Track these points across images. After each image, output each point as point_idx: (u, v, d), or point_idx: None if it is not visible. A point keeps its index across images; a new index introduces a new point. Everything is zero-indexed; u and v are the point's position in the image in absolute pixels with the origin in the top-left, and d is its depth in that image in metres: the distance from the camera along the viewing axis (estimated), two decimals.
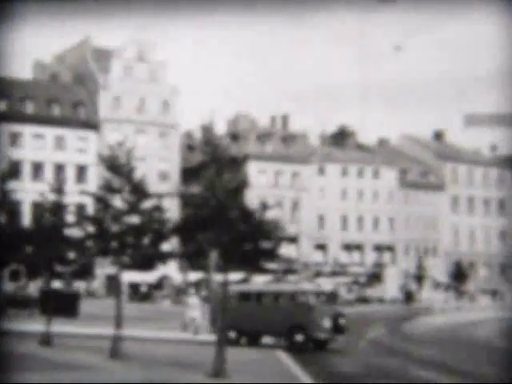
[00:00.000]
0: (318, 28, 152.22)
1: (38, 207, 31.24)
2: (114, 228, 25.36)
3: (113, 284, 71.11)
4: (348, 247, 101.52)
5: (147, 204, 25.62)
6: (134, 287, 79.84)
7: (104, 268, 75.38)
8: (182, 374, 22.84)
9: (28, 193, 76.41)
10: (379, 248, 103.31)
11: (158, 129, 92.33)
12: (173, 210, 25.35)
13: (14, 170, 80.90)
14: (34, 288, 51.67)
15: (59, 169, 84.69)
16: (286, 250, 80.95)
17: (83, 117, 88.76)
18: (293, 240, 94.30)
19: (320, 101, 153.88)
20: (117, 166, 25.48)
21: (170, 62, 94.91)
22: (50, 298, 31.61)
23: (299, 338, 31.95)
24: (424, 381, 23.57)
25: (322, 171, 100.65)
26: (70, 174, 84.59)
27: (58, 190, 29.90)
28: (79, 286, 74.78)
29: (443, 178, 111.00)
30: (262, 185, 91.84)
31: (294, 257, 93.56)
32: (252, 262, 23.89)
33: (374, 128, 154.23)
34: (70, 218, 29.84)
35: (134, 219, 25.43)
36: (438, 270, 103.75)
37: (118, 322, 25.47)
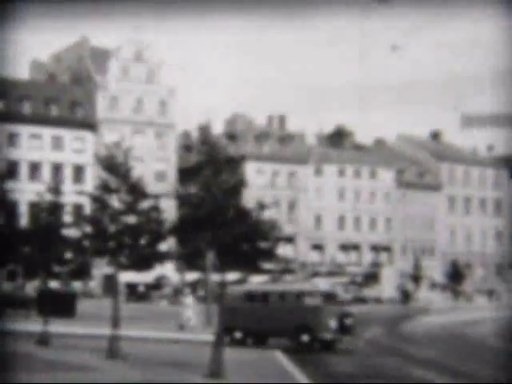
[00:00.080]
0: (316, 28, 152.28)
1: (35, 207, 31.18)
2: (111, 228, 25.37)
3: (110, 284, 71.15)
4: (345, 247, 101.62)
5: (144, 204, 25.64)
6: (131, 287, 79.84)
7: (101, 268, 75.45)
8: (179, 374, 22.88)
9: (25, 193, 76.44)
10: (376, 248, 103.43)
11: (155, 129, 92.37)
12: (170, 211, 25.41)
13: (11, 170, 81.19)
14: (31, 288, 51.68)
15: (56, 169, 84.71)
16: (283, 250, 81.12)
17: (80, 117, 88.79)
18: (290, 240, 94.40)
19: (317, 101, 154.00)
20: (114, 166, 25.50)
21: (167, 62, 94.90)
22: (47, 298, 31.69)
23: (305, 338, 31.68)
24: (421, 381, 23.63)
25: (318, 171, 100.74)
26: (68, 174, 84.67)
27: (55, 190, 29.91)
28: (76, 286, 74.78)
29: (440, 178, 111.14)
30: (259, 185, 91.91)
31: (291, 257, 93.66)
32: (249, 262, 23.89)
33: (371, 128, 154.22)
34: (68, 218, 29.88)
35: (131, 219, 25.44)
36: (435, 269, 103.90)
37: (115, 322, 25.49)
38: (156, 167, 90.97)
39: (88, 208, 27.52)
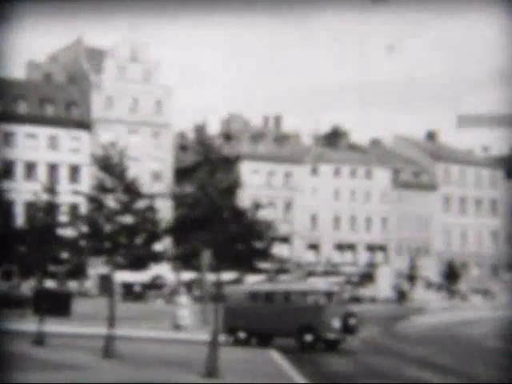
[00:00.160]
0: (313, 28, 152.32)
1: (30, 207, 31.23)
2: (107, 228, 25.41)
3: (106, 284, 71.14)
4: (340, 247, 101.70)
5: (140, 204, 25.67)
6: (128, 287, 79.84)
7: (97, 268, 75.39)
8: (174, 373, 22.92)
9: (21, 193, 76.43)
10: (372, 248, 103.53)
11: (151, 129, 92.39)
12: (166, 210, 25.44)
13: (7, 170, 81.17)
14: (26, 287, 51.64)
15: (52, 169, 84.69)
16: (278, 249, 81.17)
17: (76, 117, 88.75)
18: (285, 240, 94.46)
19: (314, 101, 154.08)
20: (110, 166, 25.53)
21: (163, 62, 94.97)
22: (42, 298, 31.67)
23: (308, 338, 31.55)
24: (416, 380, 23.68)
25: (314, 171, 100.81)
26: (63, 173, 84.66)
27: (51, 189, 29.94)
28: (72, 285, 74.75)
29: (436, 178, 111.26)
30: (255, 185, 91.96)
31: (287, 257, 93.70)
32: (245, 261, 23.94)
33: (367, 128, 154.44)
34: (63, 217, 29.89)
35: (127, 219, 25.48)
36: (431, 269, 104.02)
37: (111, 321, 25.52)
38: (152, 167, 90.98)
39: (84, 208, 27.56)
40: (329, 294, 32.67)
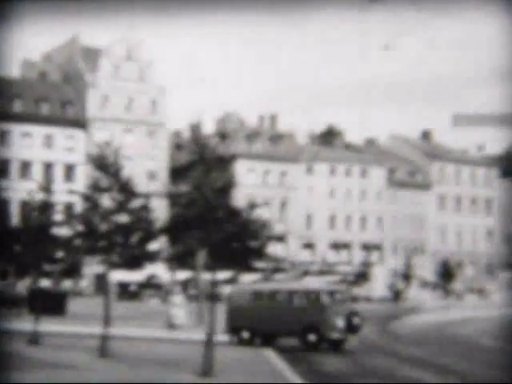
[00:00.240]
0: (309, 27, 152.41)
1: (26, 206, 31.19)
2: (102, 227, 25.41)
3: (101, 283, 71.17)
4: (336, 246, 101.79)
5: (135, 203, 25.67)
6: (123, 286, 79.82)
7: (92, 267, 75.38)
8: (170, 373, 22.94)
9: (16, 191, 76.37)
10: (367, 247, 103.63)
11: (146, 128, 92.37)
12: (161, 210, 25.46)
13: (2, 169, 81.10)
14: (22, 287, 51.61)
15: (47, 167, 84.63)
16: (273, 248, 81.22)
17: (71, 115, 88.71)
18: (281, 239, 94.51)
19: (309, 100, 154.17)
20: (105, 165, 25.53)
21: (158, 61, 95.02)
22: (38, 297, 31.64)
23: (312, 338, 31.31)
24: (411, 380, 23.73)
25: (310, 170, 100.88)
26: (59, 172, 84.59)
27: (47, 188, 29.93)
28: (67, 284, 74.72)
29: (431, 177, 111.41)
30: (250, 184, 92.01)
31: (282, 256, 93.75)
32: (240, 260, 23.94)
33: (362, 127, 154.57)
34: (59, 216, 29.88)
35: (123, 218, 25.48)
36: (426, 268, 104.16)
37: (107, 320, 25.53)
38: (147, 166, 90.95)
39: (79, 207, 27.56)
40: (332, 293, 32.46)
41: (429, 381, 23.58)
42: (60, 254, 30.17)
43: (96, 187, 25.52)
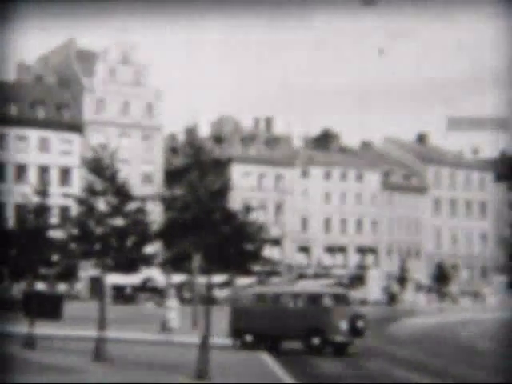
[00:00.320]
0: (304, 30, 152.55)
1: (21, 209, 31.19)
2: (98, 230, 25.43)
3: (96, 286, 71.10)
4: (331, 249, 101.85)
5: (131, 206, 25.70)
6: (119, 289, 79.77)
7: (88, 270, 75.36)
8: (165, 375, 22.99)
9: (12, 195, 76.33)
10: (362, 250, 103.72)
11: (142, 131, 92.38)
12: (157, 213, 25.49)
13: None
14: (17, 290, 51.60)
15: (43, 171, 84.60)
16: (269, 252, 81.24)
17: (67, 119, 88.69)
18: (276, 242, 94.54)
19: (304, 104, 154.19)
20: (100, 169, 25.55)
21: (154, 64, 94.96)
22: (33, 300, 31.65)
23: (316, 341, 30.95)
24: (406, 381, 23.79)
25: (305, 174, 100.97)
26: (54, 176, 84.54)
27: (42, 192, 29.95)
28: (63, 288, 74.67)
29: (426, 180, 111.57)
30: (246, 187, 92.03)
31: (278, 259, 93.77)
32: (235, 264, 23.97)
33: (357, 131, 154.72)
34: (54, 220, 29.91)
35: (118, 222, 25.50)
36: (421, 271, 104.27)
37: (102, 324, 25.57)
38: (142, 169, 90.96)
39: (75, 210, 27.59)
40: (336, 296, 32.15)
41: (421, 382, 23.66)
42: (55, 257, 30.18)
43: (91, 190, 25.54)
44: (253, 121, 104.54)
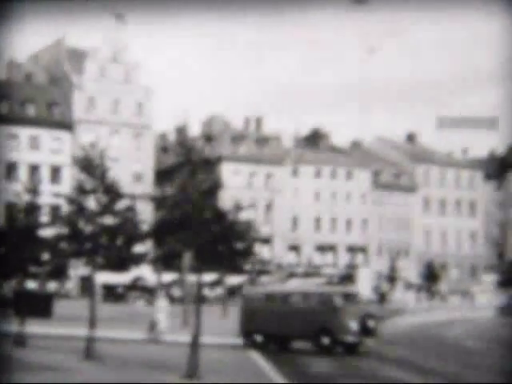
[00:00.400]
0: (294, 29, 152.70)
1: (11, 208, 31.17)
2: (88, 229, 25.42)
3: (87, 285, 71.06)
4: (321, 248, 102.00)
5: (121, 205, 25.69)
6: (109, 288, 79.71)
7: (78, 269, 75.27)
8: (155, 374, 23.03)
9: (2, 193, 76.14)
10: (352, 249, 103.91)
11: (132, 130, 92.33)
12: (147, 212, 25.49)
13: None
14: (7, 288, 51.49)
15: (34, 169, 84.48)
16: (259, 250, 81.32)
17: (58, 117, 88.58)
18: (266, 241, 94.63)
19: (294, 103, 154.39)
20: (90, 167, 25.55)
21: (144, 63, 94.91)
22: (23, 299, 31.63)
23: (325, 341, 30.67)
24: (395, 381, 23.89)
25: (295, 173, 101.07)
26: (45, 174, 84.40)
27: (33, 190, 29.93)
28: (53, 286, 74.59)
29: (415, 179, 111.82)
30: (236, 186, 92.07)
31: (268, 258, 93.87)
32: (226, 262, 24.03)
33: (347, 130, 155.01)
34: (45, 218, 29.87)
35: (108, 220, 25.50)
36: (410, 270, 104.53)
37: (92, 322, 25.59)
38: (133, 168, 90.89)
39: (65, 208, 27.59)
40: (346, 296, 31.88)
41: (411, 381, 23.77)
42: (46, 255, 30.16)
43: (81, 189, 25.53)
44: (243, 120, 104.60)
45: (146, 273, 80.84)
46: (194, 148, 24.22)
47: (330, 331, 30.68)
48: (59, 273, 75.82)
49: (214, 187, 23.12)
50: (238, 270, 25.27)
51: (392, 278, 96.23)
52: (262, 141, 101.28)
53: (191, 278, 38.89)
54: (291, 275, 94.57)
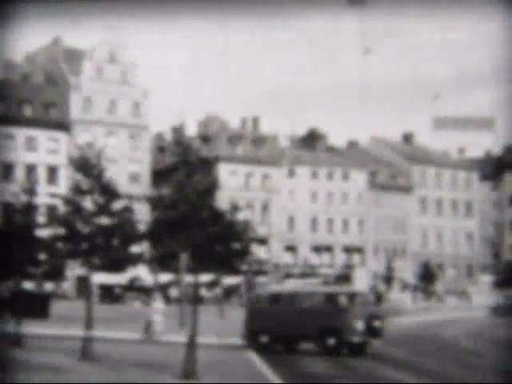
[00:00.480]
0: (291, 30, 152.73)
1: (8, 208, 31.18)
2: (84, 229, 25.42)
3: (83, 285, 70.97)
4: (318, 249, 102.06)
5: (117, 205, 25.69)
6: (105, 289, 79.70)
7: (75, 269, 75.26)
8: (152, 375, 23.06)
9: None
10: (348, 249, 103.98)
11: (129, 130, 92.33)
12: (144, 212, 25.50)
13: None
14: (4, 289, 51.46)
15: (30, 169, 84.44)
16: (256, 251, 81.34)
17: (54, 118, 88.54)
18: (263, 241, 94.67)
19: (291, 103, 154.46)
20: (87, 168, 25.54)
21: (140, 63, 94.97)
22: (20, 299, 31.63)
23: (331, 341, 30.46)
24: (392, 381, 23.92)
25: (292, 173, 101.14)
26: (42, 174, 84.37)
27: (30, 190, 29.93)
28: (50, 287, 74.53)
29: (412, 180, 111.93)
30: (233, 187, 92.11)
31: (265, 258, 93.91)
32: (222, 263, 24.03)
33: (344, 130, 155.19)
34: (42, 219, 29.86)
35: (104, 220, 25.49)
36: (407, 270, 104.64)
37: (89, 323, 25.60)
38: (129, 169, 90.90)
39: (62, 209, 27.60)
40: (352, 296, 31.71)
41: (408, 381, 23.81)
42: (43, 256, 30.15)
43: (77, 189, 25.52)
44: (240, 120, 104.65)
45: (142, 273, 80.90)
46: (191, 148, 24.22)
47: (336, 332, 30.51)
48: (56, 273, 75.76)
49: (211, 187, 23.02)
50: (234, 271, 25.22)
51: (388, 278, 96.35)
52: (259, 141, 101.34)
53: (188, 279, 38.85)
54: (288, 275, 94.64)
